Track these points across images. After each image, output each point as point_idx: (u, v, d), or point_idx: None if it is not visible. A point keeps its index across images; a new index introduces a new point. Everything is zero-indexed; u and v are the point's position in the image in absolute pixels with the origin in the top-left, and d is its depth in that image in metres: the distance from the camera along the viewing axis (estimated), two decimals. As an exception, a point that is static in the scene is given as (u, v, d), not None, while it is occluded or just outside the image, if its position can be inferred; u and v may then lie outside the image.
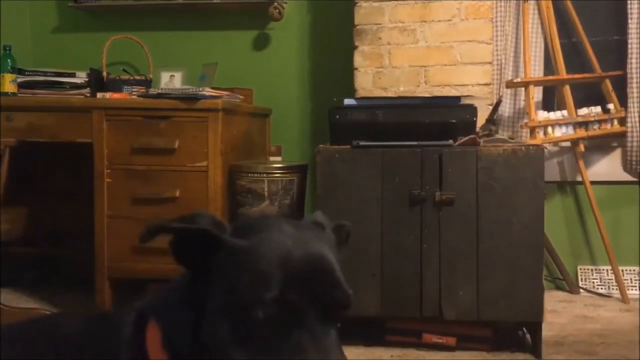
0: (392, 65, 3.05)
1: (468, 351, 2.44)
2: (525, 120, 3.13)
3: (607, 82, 3.18)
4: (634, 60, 3.14)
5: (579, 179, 3.21)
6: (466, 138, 2.44)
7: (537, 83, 3.19)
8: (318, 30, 3.42)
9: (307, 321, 0.85)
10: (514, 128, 3.27)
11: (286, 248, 0.88)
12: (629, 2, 3.15)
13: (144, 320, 0.97)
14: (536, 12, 3.24)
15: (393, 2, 3.04)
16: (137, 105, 2.74)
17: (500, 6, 3.21)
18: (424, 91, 3.02)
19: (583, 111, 3.14)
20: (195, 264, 0.94)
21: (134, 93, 2.98)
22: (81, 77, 3.05)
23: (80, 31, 3.60)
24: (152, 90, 2.81)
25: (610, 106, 3.16)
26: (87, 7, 3.47)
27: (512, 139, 2.82)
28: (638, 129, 3.14)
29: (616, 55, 3.29)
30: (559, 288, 3.32)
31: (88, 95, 3.02)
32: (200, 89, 2.70)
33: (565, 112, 3.14)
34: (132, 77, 3.27)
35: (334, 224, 1.03)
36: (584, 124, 3.15)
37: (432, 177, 2.40)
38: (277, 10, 3.28)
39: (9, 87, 2.91)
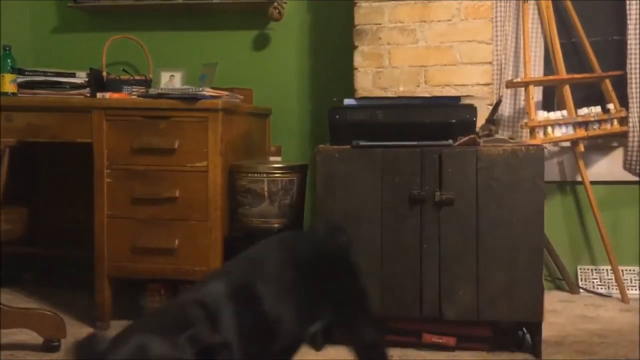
0: (391, 65, 3.05)
1: (468, 351, 2.45)
2: (525, 120, 3.14)
3: (607, 82, 3.18)
4: (633, 60, 3.14)
5: (579, 179, 3.21)
6: (466, 138, 2.44)
7: (537, 83, 3.19)
8: (318, 30, 3.42)
9: None
10: (514, 128, 3.27)
11: None
12: (628, 2, 3.15)
13: None
14: (536, 12, 3.24)
15: (393, 2, 3.04)
16: (137, 105, 2.74)
17: (500, 6, 3.21)
18: (423, 91, 3.02)
19: (583, 111, 3.15)
20: None
21: (133, 93, 2.98)
22: (81, 77, 3.05)
23: (80, 31, 3.60)
24: (152, 90, 2.81)
25: (610, 106, 3.16)
26: (87, 7, 3.47)
27: (512, 139, 2.82)
28: (639, 129, 3.14)
29: (616, 55, 3.29)
30: (559, 288, 3.32)
31: (88, 95, 3.02)
32: (200, 89, 2.70)
33: (565, 112, 3.14)
34: (132, 77, 3.27)
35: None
36: (584, 124, 3.15)
37: (432, 177, 2.40)
38: (277, 10, 3.28)
39: (9, 87, 2.91)
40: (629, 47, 3.15)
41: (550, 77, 3.21)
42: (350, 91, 3.08)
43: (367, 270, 2.43)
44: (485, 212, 2.38)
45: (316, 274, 1.55)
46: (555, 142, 3.22)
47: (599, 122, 3.15)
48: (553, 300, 3.08)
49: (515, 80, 3.10)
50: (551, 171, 3.25)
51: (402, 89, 3.04)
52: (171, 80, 3.36)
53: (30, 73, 3.04)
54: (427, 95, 2.99)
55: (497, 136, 2.84)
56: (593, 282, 3.29)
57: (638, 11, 3.14)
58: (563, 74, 3.16)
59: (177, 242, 2.67)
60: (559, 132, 3.12)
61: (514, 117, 3.28)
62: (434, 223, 2.40)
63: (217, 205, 2.66)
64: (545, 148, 2.63)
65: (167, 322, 1.10)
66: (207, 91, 2.70)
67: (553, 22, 3.18)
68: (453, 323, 2.43)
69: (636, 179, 3.22)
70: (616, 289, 3.15)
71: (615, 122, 3.17)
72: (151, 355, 0.97)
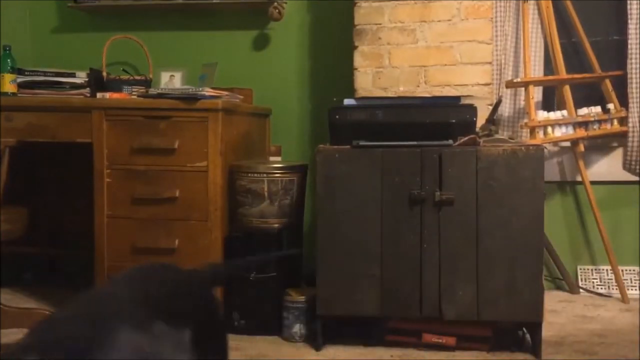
0: (392, 65, 3.05)
1: (468, 351, 2.45)
2: (525, 120, 3.14)
3: (607, 82, 3.18)
4: (633, 60, 3.14)
5: (579, 179, 3.21)
6: (466, 138, 2.44)
7: (537, 83, 3.19)
8: (318, 30, 3.42)
9: None
10: (514, 128, 3.27)
11: None
12: (628, 2, 3.15)
13: None
14: (536, 12, 3.24)
15: (393, 2, 3.04)
16: (137, 105, 2.74)
17: (500, 6, 3.21)
18: (424, 91, 3.02)
19: (583, 111, 3.15)
20: None
21: (134, 93, 2.98)
22: (81, 77, 3.05)
23: (80, 31, 3.60)
24: (152, 90, 2.81)
25: (610, 106, 3.16)
26: (87, 7, 3.47)
27: (512, 139, 2.82)
28: (638, 129, 3.14)
29: (616, 55, 3.29)
30: (559, 288, 3.32)
31: (88, 95, 3.02)
32: (200, 89, 2.70)
33: (565, 112, 3.14)
34: (132, 77, 3.27)
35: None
36: (584, 124, 3.15)
37: (432, 177, 2.40)
38: (277, 10, 3.28)
39: (9, 87, 2.91)
40: (629, 47, 3.15)
41: (550, 77, 3.21)
42: (350, 91, 3.08)
43: (367, 271, 2.44)
44: (485, 212, 2.38)
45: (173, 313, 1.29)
46: (555, 142, 3.22)
47: (599, 122, 3.15)
48: (553, 300, 3.08)
49: (515, 80, 3.10)
50: (551, 171, 3.25)
51: (402, 89, 3.04)
52: (171, 80, 3.36)
53: (30, 73, 3.04)
54: (427, 95, 2.99)
55: (497, 136, 2.84)
56: (593, 282, 3.29)
57: (638, 11, 3.14)
58: (563, 74, 3.16)
59: (177, 242, 2.67)
60: (559, 132, 3.12)
61: (514, 117, 3.28)
62: (434, 223, 2.40)
63: (217, 205, 2.66)
64: (545, 148, 2.63)
65: None
66: (207, 91, 2.70)
67: (553, 22, 3.18)
68: (453, 323, 2.43)
69: (636, 179, 3.22)
70: (616, 289, 3.15)
71: (615, 122, 3.17)
72: None
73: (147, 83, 3.23)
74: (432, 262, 2.40)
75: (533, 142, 2.96)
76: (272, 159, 3.38)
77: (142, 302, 1.18)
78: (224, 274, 1.77)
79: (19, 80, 2.96)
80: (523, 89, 3.16)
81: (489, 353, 2.43)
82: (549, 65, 3.26)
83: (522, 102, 3.24)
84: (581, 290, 3.26)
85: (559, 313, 2.92)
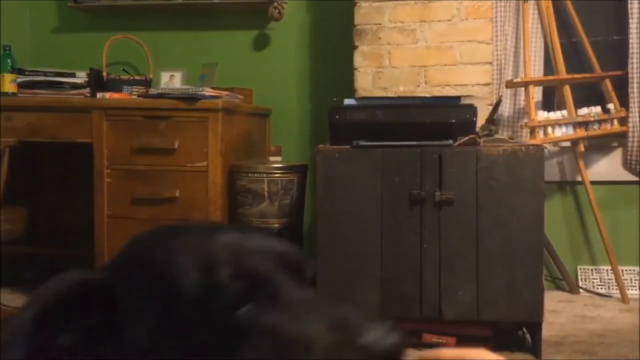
0: (392, 65, 3.05)
1: (468, 351, 2.44)
2: (525, 120, 3.13)
3: (607, 82, 3.18)
4: (634, 60, 3.14)
5: (579, 179, 3.21)
6: (466, 138, 2.44)
7: (537, 83, 3.19)
8: (318, 30, 3.41)
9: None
10: (514, 128, 3.26)
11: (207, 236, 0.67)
12: (629, 2, 3.15)
13: None
14: (536, 12, 3.23)
15: (393, 2, 3.03)
16: (137, 105, 2.74)
17: (500, 6, 3.21)
18: (424, 91, 3.02)
19: (583, 111, 3.14)
20: None
21: (134, 93, 2.98)
22: (81, 77, 3.05)
23: (80, 31, 3.60)
24: (152, 90, 2.81)
25: (610, 106, 3.16)
26: (87, 7, 3.47)
27: (512, 139, 2.82)
28: (639, 129, 3.14)
29: (616, 55, 3.29)
30: (558, 288, 3.32)
31: (88, 95, 3.02)
32: (200, 89, 2.70)
33: (565, 112, 3.14)
34: (132, 77, 3.27)
35: None
36: (584, 124, 3.15)
37: (432, 177, 2.40)
38: (277, 10, 3.28)
39: (9, 87, 2.91)
40: (630, 46, 3.14)
41: (550, 77, 3.20)
42: (350, 91, 3.08)
43: (367, 271, 2.44)
44: (485, 212, 2.38)
45: None
46: (555, 142, 3.22)
47: (599, 122, 3.15)
48: (553, 300, 3.08)
49: (515, 80, 3.10)
50: (551, 171, 3.25)
51: (402, 89, 3.04)
52: (171, 80, 3.36)
53: (30, 73, 3.04)
54: (427, 95, 2.99)
55: (497, 136, 2.84)
56: (593, 282, 3.28)
57: (639, 11, 3.14)
58: (563, 74, 3.16)
59: (177, 242, 2.67)
60: (559, 132, 3.12)
61: (514, 117, 3.28)
62: (434, 223, 2.40)
63: (217, 205, 2.66)
64: (545, 148, 2.63)
65: None
66: (207, 91, 2.71)
67: (553, 22, 3.18)
68: (453, 323, 2.43)
69: (636, 179, 3.22)
70: (616, 289, 3.15)
71: (615, 122, 3.16)
72: None
73: (147, 83, 3.23)
74: (432, 262, 2.40)
75: (533, 142, 2.96)
76: (272, 159, 3.38)
77: None
78: None
79: (19, 80, 2.97)
80: (523, 89, 3.15)
81: (489, 353, 2.43)
82: (549, 65, 3.26)
83: (522, 102, 3.24)
84: (581, 290, 3.26)
85: (559, 313, 2.92)
